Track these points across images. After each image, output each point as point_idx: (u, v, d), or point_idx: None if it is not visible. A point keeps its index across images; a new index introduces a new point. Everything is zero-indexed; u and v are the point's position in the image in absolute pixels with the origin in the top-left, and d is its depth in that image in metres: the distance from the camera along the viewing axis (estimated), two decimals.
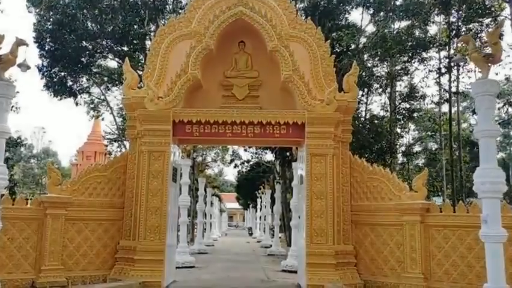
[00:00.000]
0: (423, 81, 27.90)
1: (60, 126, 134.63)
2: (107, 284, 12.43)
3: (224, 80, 14.53)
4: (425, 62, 26.07)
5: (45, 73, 26.07)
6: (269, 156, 41.40)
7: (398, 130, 29.59)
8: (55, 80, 26.34)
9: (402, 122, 29.79)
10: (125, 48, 26.78)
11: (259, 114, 13.73)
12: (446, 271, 12.10)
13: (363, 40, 25.39)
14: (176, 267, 16.35)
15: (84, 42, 26.06)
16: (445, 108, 33.99)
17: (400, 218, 12.81)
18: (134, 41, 26.38)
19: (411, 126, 37.24)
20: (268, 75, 14.40)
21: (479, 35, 22.78)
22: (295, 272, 16.09)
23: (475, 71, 26.12)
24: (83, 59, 26.26)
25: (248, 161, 46.96)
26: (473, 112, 37.59)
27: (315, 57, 14.27)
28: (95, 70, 29.83)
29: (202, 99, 14.40)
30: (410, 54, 24.70)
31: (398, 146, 29.01)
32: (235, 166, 48.42)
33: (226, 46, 14.50)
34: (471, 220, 11.69)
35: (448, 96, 28.34)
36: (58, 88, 26.63)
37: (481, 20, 23.39)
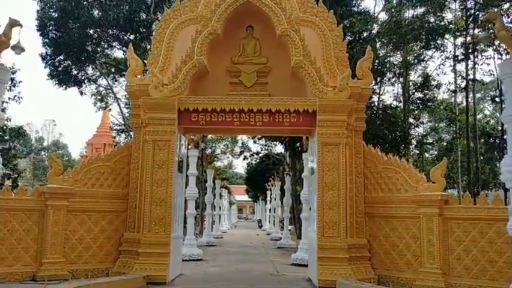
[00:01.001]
0: (439, 68, 27.32)
1: (71, 119, 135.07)
2: (110, 278, 11.95)
3: (231, 67, 14.02)
4: (442, 48, 25.46)
5: (49, 62, 25.69)
6: (279, 148, 41.07)
7: (411, 120, 29.04)
8: (60, 69, 25.95)
9: (416, 112, 29.21)
10: (132, 37, 26.34)
11: (268, 102, 13.19)
12: (465, 266, 11.52)
13: (375, 28, 24.79)
14: (184, 260, 16.02)
15: (89, 31, 25.66)
16: (460, 99, 33.52)
17: (417, 210, 12.23)
18: (140, 29, 25.92)
19: (425, 117, 36.58)
20: (278, 61, 13.87)
21: None
22: (306, 265, 15.68)
23: (494, 58, 25.56)
24: (88, 48, 25.86)
25: (257, 153, 46.67)
26: (492, 100, 36.79)
27: (327, 42, 13.71)
28: (102, 60, 29.45)
29: (208, 87, 13.91)
30: (426, 41, 24.06)
31: (411, 138, 28.43)
32: (245, 158, 48.16)
33: (233, 31, 13.97)
34: (493, 212, 11.21)
35: (464, 85, 27.72)
36: (63, 77, 26.24)
37: (500, 4, 22.63)
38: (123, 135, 34.12)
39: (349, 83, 13.05)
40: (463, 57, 25.75)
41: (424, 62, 28.28)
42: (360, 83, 13.42)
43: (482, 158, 34.29)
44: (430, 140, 36.61)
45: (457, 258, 11.68)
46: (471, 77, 27.18)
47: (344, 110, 12.88)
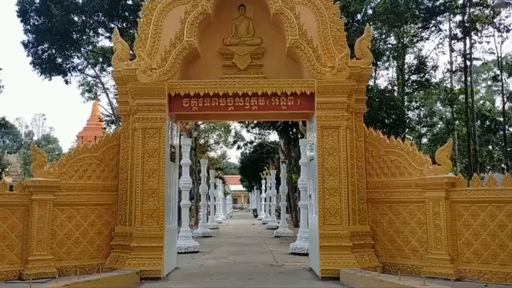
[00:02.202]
0: (438, 48, 26.89)
1: (62, 113, 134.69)
2: (101, 274, 11.31)
3: (224, 49, 13.33)
4: (441, 25, 25.05)
5: (32, 50, 25.04)
6: (272, 137, 40.72)
7: (409, 103, 28.68)
8: (43, 57, 25.27)
9: (412, 94, 28.81)
10: (119, 25, 25.66)
11: (264, 85, 12.52)
12: (475, 251, 11.03)
13: (370, 10, 24.25)
14: (179, 253, 15.60)
15: (73, 17, 25.00)
16: (454, 83, 33.16)
17: (422, 195, 11.73)
18: (127, 14, 25.16)
19: (421, 101, 36.24)
20: (273, 42, 13.24)
21: None
22: (305, 254, 15.41)
23: (494, 35, 25.18)
24: (72, 35, 25.15)
25: (251, 142, 46.37)
26: (493, 79, 36.45)
27: (324, 21, 13.04)
28: (88, 48, 28.83)
29: (200, 71, 13.26)
30: (424, 19, 23.55)
31: (409, 121, 28.01)
32: (238, 148, 47.89)
33: (225, 11, 13.32)
34: (503, 194, 10.72)
35: (460, 65, 27.38)
36: (46, 66, 25.56)
37: None
38: (113, 127, 33.63)
39: (348, 62, 12.44)
40: (461, 36, 25.32)
41: (421, 43, 27.94)
42: (360, 62, 12.81)
43: (479, 140, 34.05)
44: (425, 125, 36.40)
45: (465, 243, 11.19)
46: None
47: (343, 91, 12.24)
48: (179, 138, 15.95)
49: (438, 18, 24.60)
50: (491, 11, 24.12)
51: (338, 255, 11.77)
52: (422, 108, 38.13)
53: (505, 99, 32.03)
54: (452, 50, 28.03)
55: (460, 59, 28.30)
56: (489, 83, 51.29)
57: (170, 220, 13.04)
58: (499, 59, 30.57)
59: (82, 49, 28.43)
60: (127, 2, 25.04)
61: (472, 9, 24.98)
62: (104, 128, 35.99)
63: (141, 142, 12.33)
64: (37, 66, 25.94)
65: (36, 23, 24.52)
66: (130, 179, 12.64)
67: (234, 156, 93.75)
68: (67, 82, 28.52)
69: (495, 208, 10.87)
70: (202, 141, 41.35)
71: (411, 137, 32.64)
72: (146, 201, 12.15)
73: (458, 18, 26.67)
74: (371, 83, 26.52)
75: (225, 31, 13.41)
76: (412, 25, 25.32)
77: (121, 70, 12.89)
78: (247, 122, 34.23)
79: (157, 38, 13.08)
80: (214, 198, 38.55)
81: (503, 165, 36.40)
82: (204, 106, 12.70)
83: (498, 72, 32.91)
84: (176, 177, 14.60)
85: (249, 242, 22.99)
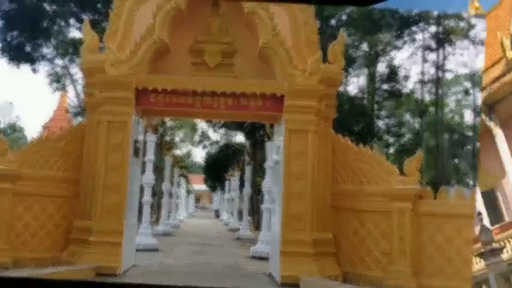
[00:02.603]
0: (411, 57, 27.09)
1: (29, 102, 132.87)
2: (56, 268, 11.04)
3: (195, 46, 13.12)
4: (415, 34, 25.21)
5: (0, 36, 24.72)
6: (239, 138, 40.63)
7: (376, 111, 28.83)
8: (12, 44, 24.88)
9: (382, 103, 28.93)
10: (91, 17, 25.33)
11: (233, 84, 12.43)
12: (439, 266, 10.92)
13: (343, 18, 24.30)
14: (138, 250, 15.10)
15: (44, 5, 24.58)
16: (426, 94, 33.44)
17: (388, 205, 11.56)
18: (98, 5, 24.85)
19: (392, 110, 36.51)
20: (245, 42, 13.08)
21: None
22: (265, 258, 15.24)
23: (468, 48, 25.44)
24: (43, 24, 24.77)
25: (217, 142, 46.15)
26: (465, 92, 36.72)
27: (297, 23, 12.93)
28: (59, 38, 28.42)
29: (169, 66, 13.06)
30: (399, 28, 23.67)
31: (376, 130, 28.12)
32: (204, 147, 47.65)
33: (198, 7, 13.13)
34: (472, 209, 10.57)
35: (432, 76, 27.59)
36: (15, 53, 25.14)
37: None
38: (80, 118, 33.22)
39: (320, 66, 12.34)
40: (435, 46, 25.54)
41: (394, 52, 28.10)
42: (332, 67, 12.77)
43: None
44: (394, 135, 36.57)
45: (429, 257, 11.10)
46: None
47: (314, 95, 12.12)
48: (145, 134, 15.68)
49: (412, 28, 24.78)
50: (467, 24, 24.43)
51: (299, 261, 11.59)
52: (391, 118, 38.43)
53: (475, 114, 32.34)
54: (425, 61, 28.26)
55: (432, 70, 28.62)
56: (459, 96, 51.87)
57: (130, 216, 12.79)
58: (472, 73, 31.01)
59: (52, 39, 28.10)
60: None
61: (446, 21, 25.17)
62: (71, 120, 35.55)
63: (105, 135, 12.11)
64: (5, 53, 25.68)
65: (6, 9, 24.23)
66: (92, 173, 12.35)
67: (199, 155, 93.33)
68: (34, 71, 28.32)
69: (462, 222, 10.76)
70: (167, 138, 41.00)
71: (378, 146, 32.75)
72: (108, 195, 11.93)
73: (433, 29, 27.00)
74: (341, 89, 26.61)
75: (197, 28, 13.20)
76: (386, 33, 25.47)
77: (90, 61, 12.76)
78: (213, 122, 34.08)
79: (127, 31, 12.85)
80: (177, 196, 38.31)
81: (467, 179, 36.77)
82: (172, 102, 12.57)
83: (469, 85, 33.45)
84: (139, 173, 14.44)
85: (210, 243, 22.83)
